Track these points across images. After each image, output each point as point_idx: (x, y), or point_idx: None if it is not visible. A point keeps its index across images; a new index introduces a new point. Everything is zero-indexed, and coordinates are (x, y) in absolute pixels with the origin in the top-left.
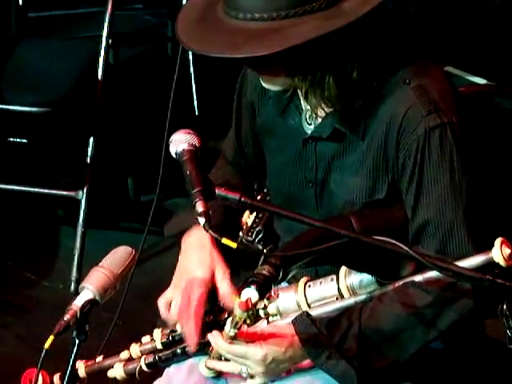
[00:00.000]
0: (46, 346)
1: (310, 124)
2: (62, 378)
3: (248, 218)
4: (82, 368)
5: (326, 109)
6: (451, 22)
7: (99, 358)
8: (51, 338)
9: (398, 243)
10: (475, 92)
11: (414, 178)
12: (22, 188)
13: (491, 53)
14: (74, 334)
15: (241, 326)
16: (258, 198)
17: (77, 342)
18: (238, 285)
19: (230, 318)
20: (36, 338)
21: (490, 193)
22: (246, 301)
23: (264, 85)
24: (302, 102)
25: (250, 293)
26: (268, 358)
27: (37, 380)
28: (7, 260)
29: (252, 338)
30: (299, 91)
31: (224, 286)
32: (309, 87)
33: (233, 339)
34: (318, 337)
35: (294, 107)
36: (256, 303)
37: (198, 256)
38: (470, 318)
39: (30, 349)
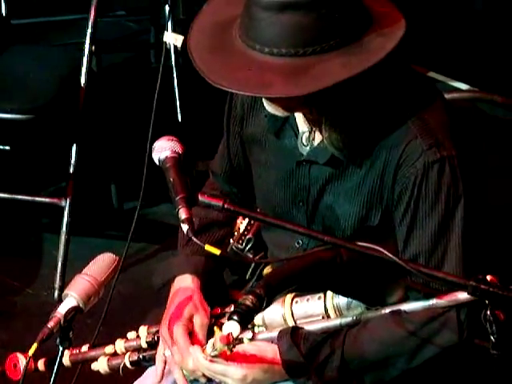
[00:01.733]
0: (30, 353)
1: (305, 146)
2: (46, 364)
3: (241, 224)
4: (66, 356)
5: (324, 133)
6: (433, 27)
7: (85, 348)
8: (35, 345)
9: (382, 249)
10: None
11: (409, 210)
12: (5, 195)
13: (473, 58)
14: (58, 341)
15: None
16: (258, 209)
17: (61, 349)
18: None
19: (212, 341)
20: (20, 345)
21: (484, 220)
22: (228, 335)
23: (270, 110)
24: (298, 123)
25: (232, 326)
26: (248, 378)
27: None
28: None
29: (232, 357)
30: (320, 123)
31: (200, 334)
32: (328, 122)
33: (214, 357)
34: (299, 359)
35: (290, 127)
36: (237, 336)
37: (179, 300)
38: (453, 351)
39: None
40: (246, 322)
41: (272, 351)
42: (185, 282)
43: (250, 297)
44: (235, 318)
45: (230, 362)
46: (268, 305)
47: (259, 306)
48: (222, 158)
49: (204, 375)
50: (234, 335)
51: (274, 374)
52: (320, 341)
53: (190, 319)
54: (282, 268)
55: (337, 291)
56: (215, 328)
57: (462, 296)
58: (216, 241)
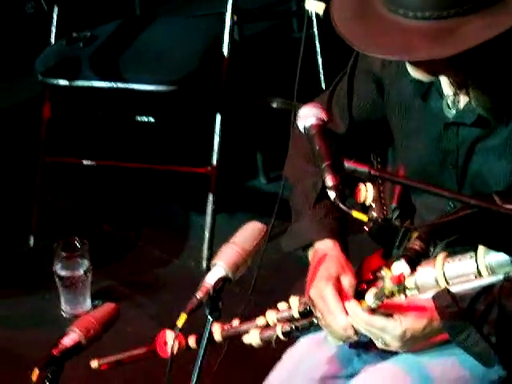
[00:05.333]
0: (179, 324)
1: (451, 109)
2: (197, 341)
3: (367, 192)
4: (217, 332)
5: (470, 95)
6: None
7: (235, 322)
8: (184, 316)
9: None
10: None
11: None
12: (151, 167)
13: None
14: (207, 311)
15: (383, 300)
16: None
17: (210, 319)
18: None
19: (374, 290)
20: (169, 317)
21: None
22: (399, 275)
23: (414, 75)
24: (443, 86)
25: (402, 267)
26: (407, 335)
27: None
28: (138, 240)
29: (391, 310)
30: (466, 85)
31: (350, 294)
32: (475, 84)
33: (372, 310)
34: (458, 315)
35: (436, 91)
36: (408, 277)
37: (323, 263)
38: None
39: (163, 328)
40: (414, 265)
41: (430, 308)
42: (326, 246)
43: (418, 242)
44: (403, 260)
45: (388, 317)
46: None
47: (426, 250)
48: (342, 115)
49: (356, 333)
50: (405, 275)
51: (432, 330)
52: (476, 295)
53: (338, 280)
54: (441, 218)
55: (491, 244)
56: (384, 269)
57: None
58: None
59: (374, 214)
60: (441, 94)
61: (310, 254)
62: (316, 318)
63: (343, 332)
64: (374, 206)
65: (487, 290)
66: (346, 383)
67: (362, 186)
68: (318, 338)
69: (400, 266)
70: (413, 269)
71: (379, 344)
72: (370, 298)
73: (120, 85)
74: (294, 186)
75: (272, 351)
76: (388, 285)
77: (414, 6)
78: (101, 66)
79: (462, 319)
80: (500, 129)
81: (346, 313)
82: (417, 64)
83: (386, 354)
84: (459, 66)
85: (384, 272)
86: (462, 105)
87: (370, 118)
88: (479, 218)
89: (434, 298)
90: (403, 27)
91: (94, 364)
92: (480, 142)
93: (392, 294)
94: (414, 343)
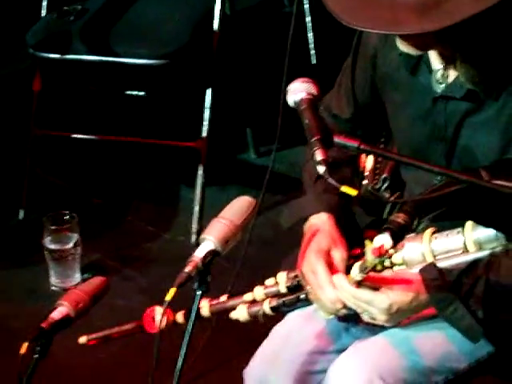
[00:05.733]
0: (168, 298)
1: (440, 83)
2: (185, 316)
3: (366, 163)
4: (206, 307)
5: (458, 69)
6: None
7: (223, 298)
8: (173, 289)
9: None
10: None
11: None
12: (142, 140)
13: None
14: (196, 285)
15: (368, 272)
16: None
17: (198, 293)
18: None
19: (359, 263)
20: (158, 291)
21: None
22: (380, 247)
23: (402, 48)
24: (431, 61)
25: (384, 239)
26: (393, 308)
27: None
28: (127, 214)
29: (377, 283)
30: (454, 59)
31: (341, 267)
32: (462, 57)
33: (359, 284)
34: (445, 288)
35: (424, 64)
36: (388, 250)
37: (316, 236)
38: None
39: (153, 301)
40: (397, 238)
41: (417, 281)
42: (320, 220)
43: (401, 214)
44: (386, 233)
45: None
46: (416, 227)
47: (410, 224)
48: (347, 98)
49: (344, 306)
50: (386, 247)
51: (418, 305)
52: (463, 270)
53: (329, 253)
54: (428, 192)
55: (479, 219)
56: (366, 241)
57: None
58: (345, 180)
59: (365, 182)
60: (430, 69)
61: (305, 227)
62: (305, 292)
63: (332, 305)
64: (367, 175)
65: (474, 265)
66: (334, 358)
67: (363, 155)
68: (307, 313)
69: (381, 239)
70: (395, 241)
71: (366, 318)
72: (354, 270)
73: (110, 59)
74: (303, 165)
75: (261, 326)
76: (369, 257)
77: None
78: (91, 39)
79: (448, 292)
80: (489, 104)
81: (335, 286)
82: (405, 38)
83: (375, 329)
84: (447, 39)
85: (366, 244)
86: (451, 79)
87: (371, 101)
88: (466, 193)
89: (421, 271)
90: (391, 1)
91: (83, 339)
92: (469, 117)
93: (374, 267)
94: (401, 317)
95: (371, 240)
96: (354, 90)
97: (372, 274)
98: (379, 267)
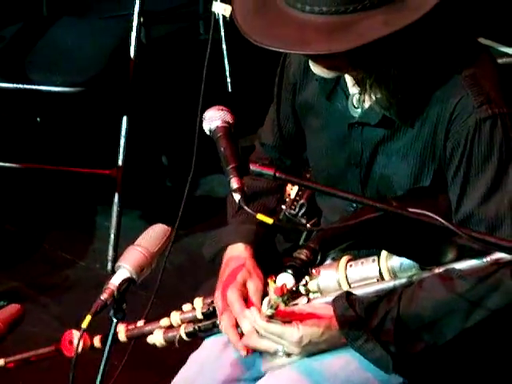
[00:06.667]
0: (84, 325)
1: (356, 108)
2: (102, 340)
3: (291, 190)
4: (122, 332)
5: (373, 95)
6: None
7: (140, 323)
8: (89, 317)
9: (432, 215)
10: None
11: (462, 167)
12: (57, 168)
13: None
14: (112, 313)
15: (277, 307)
16: (308, 176)
17: (114, 321)
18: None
19: (267, 299)
20: (73, 318)
21: None
22: (282, 286)
23: (316, 71)
24: (348, 86)
25: (286, 278)
26: (304, 340)
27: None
28: (43, 242)
29: (289, 317)
30: (365, 83)
31: (255, 299)
32: (373, 81)
33: (270, 318)
34: (356, 320)
35: (341, 90)
36: (291, 288)
37: (232, 268)
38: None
39: (68, 329)
40: (300, 275)
41: (328, 313)
42: (237, 251)
43: (305, 251)
44: (289, 271)
45: (286, 323)
46: (322, 260)
47: (313, 260)
48: (273, 128)
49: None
50: (288, 287)
51: (330, 337)
52: (375, 301)
53: (244, 285)
54: (335, 225)
55: (390, 248)
56: (269, 280)
57: None
58: (267, 209)
59: (283, 207)
60: (346, 94)
61: (224, 258)
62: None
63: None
64: (287, 200)
65: (388, 294)
66: None
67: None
68: (223, 340)
69: (283, 278)
70: (298, 279)
71: (280, 353)
72: (264, 306)
73: (26, 86)
74: (228, 196)
75: (178, 353)
76: (272, 296)
77: (311, 1)
78: (6, 66)
79: (358, 326)
80: (405, 131)
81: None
82: (316, 60)
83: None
84: (357, 62)
85: (269, 283)
86: (367, 104)
87: (296, 130)
88: (379, 223)
89: (332, 303)
90: (299, 21)
91: (1, 362)
92: (384, 144)
93: (277, 306)
94: (314, 348)
95: (274, 280)
96: (279, 119)
97: (283, 307)
98: (283, 306)
